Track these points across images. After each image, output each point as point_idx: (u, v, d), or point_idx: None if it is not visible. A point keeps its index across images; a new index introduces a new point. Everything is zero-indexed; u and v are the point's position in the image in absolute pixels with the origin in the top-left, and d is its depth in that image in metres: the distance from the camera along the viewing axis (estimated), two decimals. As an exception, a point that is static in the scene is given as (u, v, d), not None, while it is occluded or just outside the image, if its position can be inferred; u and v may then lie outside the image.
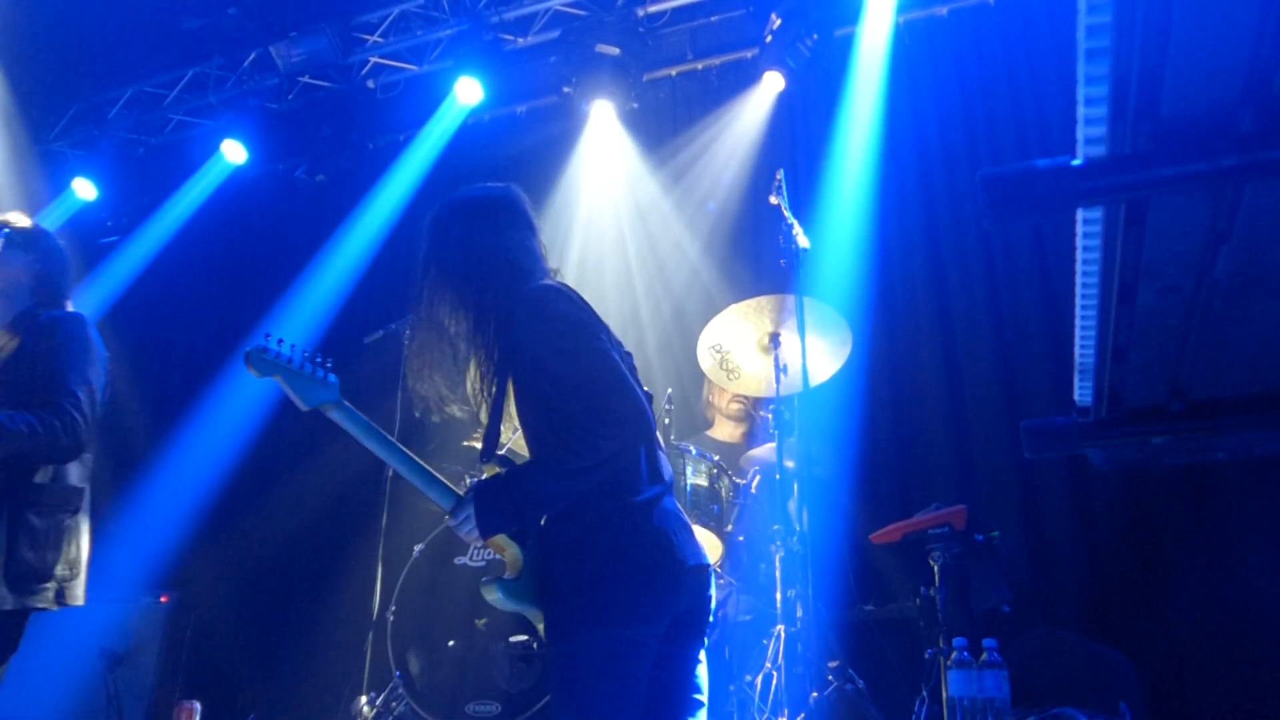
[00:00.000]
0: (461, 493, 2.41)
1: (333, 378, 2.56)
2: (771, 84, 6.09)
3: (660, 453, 2.47)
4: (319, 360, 2.58)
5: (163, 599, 5.73)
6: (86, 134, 7.35)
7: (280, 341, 2.53)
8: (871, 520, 4.60)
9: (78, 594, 3.09)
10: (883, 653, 4.51)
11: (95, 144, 7.32)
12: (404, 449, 2.48)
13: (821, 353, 4.27)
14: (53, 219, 7.19)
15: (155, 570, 6.03)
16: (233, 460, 6.53)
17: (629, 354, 2.52)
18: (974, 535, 4.12)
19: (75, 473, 3.13)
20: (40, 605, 2.96)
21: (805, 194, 5.66)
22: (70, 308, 3.30)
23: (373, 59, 6.97)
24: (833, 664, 4.03)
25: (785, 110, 6.19)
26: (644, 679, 2.21)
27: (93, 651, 5.30)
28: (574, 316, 2.37)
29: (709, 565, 2.36)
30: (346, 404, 2.55)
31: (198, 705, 5.16)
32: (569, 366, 2.27)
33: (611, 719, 2.14)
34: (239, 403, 6.61)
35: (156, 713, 5.38)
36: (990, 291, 5.33)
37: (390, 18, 6.82)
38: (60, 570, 3.03)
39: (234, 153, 7.06)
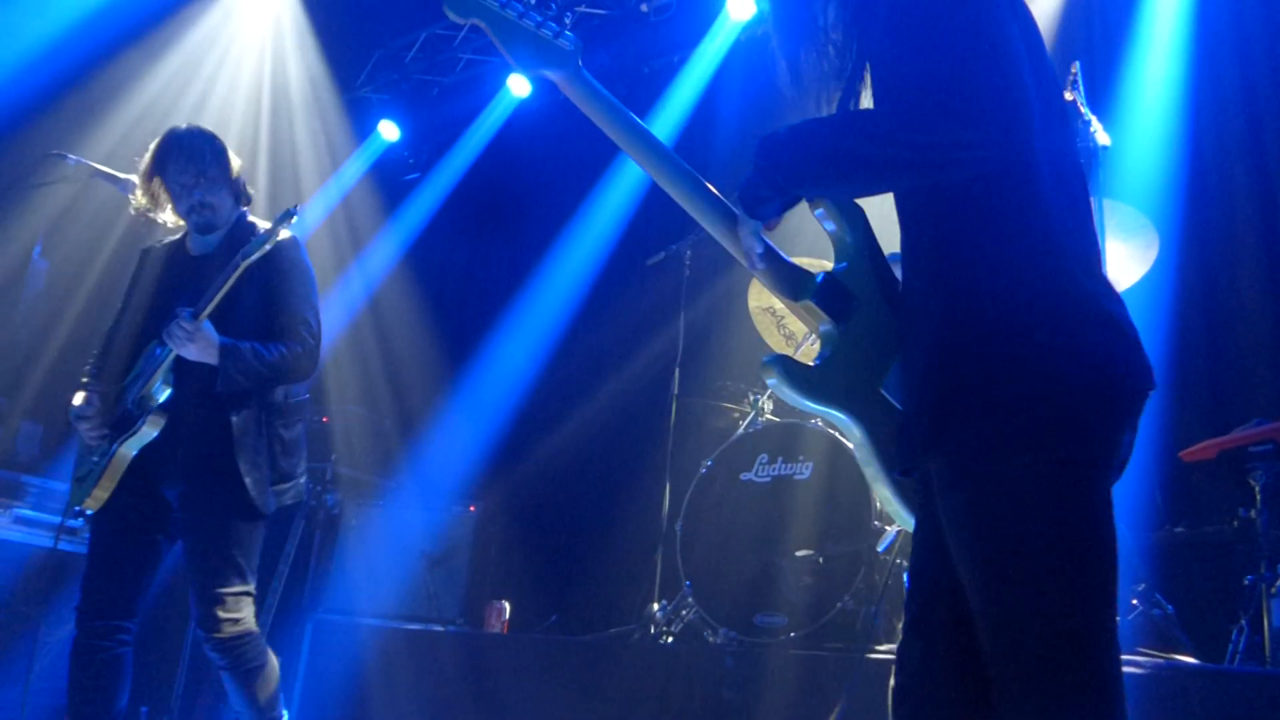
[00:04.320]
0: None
1: (569, 36, 1.93)
2: (1065, -31, 5.63)
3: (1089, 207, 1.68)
4: (554, 14, 1.96)
5: (471, 508, 6.20)
6: (388, 79, 7.86)
7: None
8: (1182, 436, 4.29)
9: (303, 489, 3.43)
10: (1194, 578, 4.23)
11: (396, 88, 7.84)
12: (661, 144, 1.88)
13: (1124, 257, 3.97)
14: (363, 160, 7.80)
15: (465, 482, 6.53)
16: (530, 382, 6.93)
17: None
18: (1304, 453, 3.77)
19: (301, 387, 3.48)
20: (288, 502, 3.32)
21: (1103, 87, 5.23)
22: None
23: (645, -18, 7.01)
24: (1139, 587, 3.83)
25: (1081, -2, 5.72)
26: (1113, 523, 1.51)
27: (415, 554, 5.82)
28: None
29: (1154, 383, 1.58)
30: (586, 74, 1.90)
31: (506, 605, 5.58)
32: (924, 21, 1.56)
33: (1090, 605, 1.46)
34: (534, 326, 6.98)
35: (470, 610, 5.86)
36: (1324, 181, 4.76)
37: (661, -61, 6.82)
38: (299, 471, 3.38)
39: (519, 87, 7.35)
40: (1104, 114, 4.36)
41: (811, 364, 1.75)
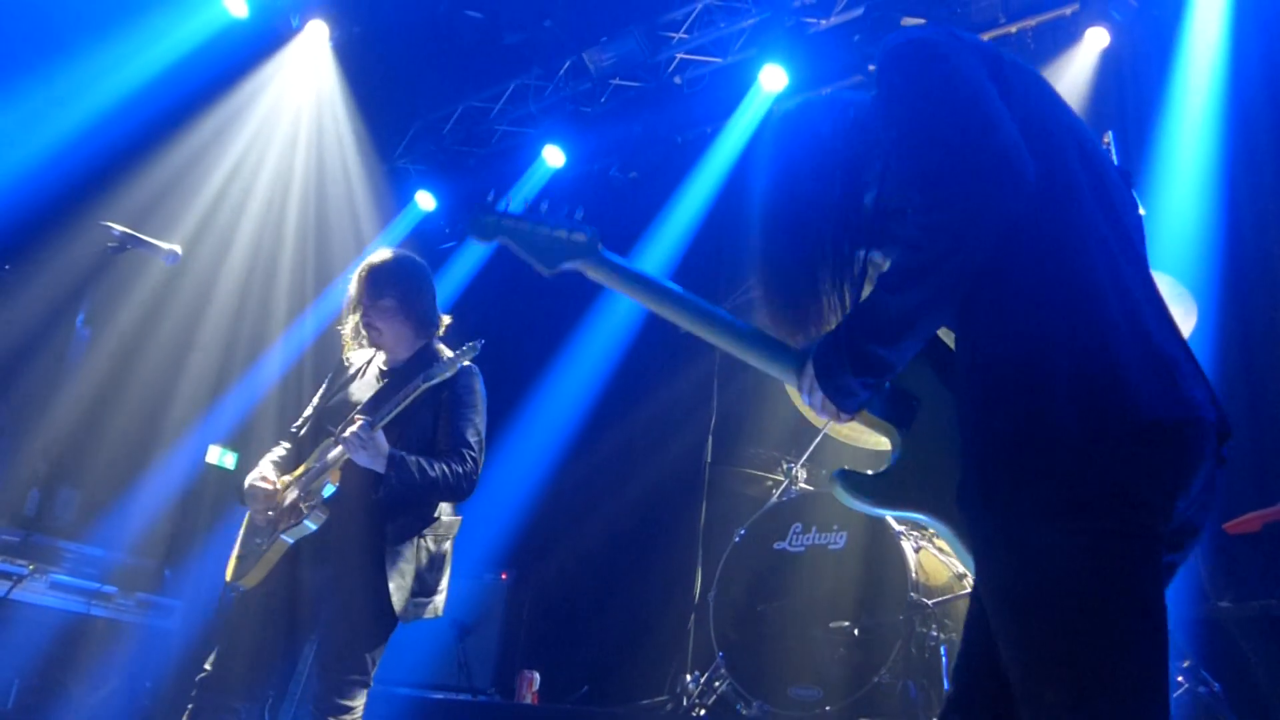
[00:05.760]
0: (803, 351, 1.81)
1: (584, 228, 2.08)
2: (1095, 41, 5.66)
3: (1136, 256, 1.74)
4: (566, 212, 2.11)
5: (503, 576, 6.17)
6: (425, 150, 8.02)
7: (509, 199, 2.08)
8: (1226, 508, 4.20)
9: (441, 606, 3.49)
10: (1242, 654, 4.12)
11: (433, 159, 7.98)
12: (693, 299, 1.98)
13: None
14: (400, 230, 7.92)
15: (496, 550, 6.51)
16: (561, 451, 6.92)
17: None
18: (1351, 527, 3.69)
19: (452, 505, 3.53)
20: (427, 616, 3.41)
21: (1137, 157, 5.24)
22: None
23: (679, 55, 7.13)
24: (1185, 664, 3.74)
25: (1111, 68, 5.74)
26: (1163, 599, 1.45)
27: (446, 622, 5.78)
28: (941, 71, 1.65)
29: (1220, 429, 1.61)
30: (608, 255, 2.06)
31: (537, 675, 5.52)
32: (920, 133, 1.63)
33: (1139, 674, 1.38)
34: (568, 393, 7.00)
35: (501, 680, 5.80)
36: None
37: (694, 13, 6.95)
38: (441, 586, 3.46)
39: (554, 157, 7.47)
40: (1138, 183, 4.36)
41: (878, 471, 1.73)
